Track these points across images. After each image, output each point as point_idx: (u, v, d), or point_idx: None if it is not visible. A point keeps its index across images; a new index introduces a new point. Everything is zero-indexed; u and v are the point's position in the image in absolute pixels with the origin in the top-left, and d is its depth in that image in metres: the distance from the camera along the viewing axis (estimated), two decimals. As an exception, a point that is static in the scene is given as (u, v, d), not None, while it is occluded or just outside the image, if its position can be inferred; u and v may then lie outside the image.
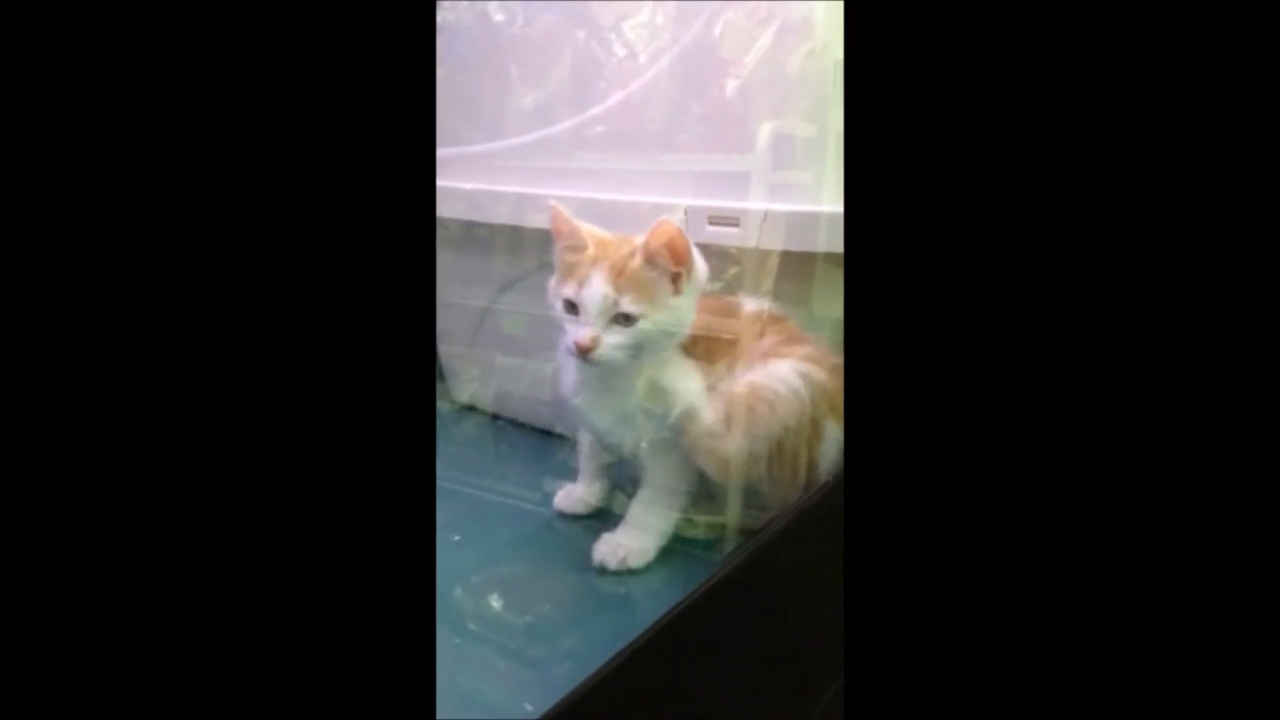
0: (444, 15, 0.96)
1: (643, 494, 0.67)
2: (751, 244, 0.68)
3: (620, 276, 0.61)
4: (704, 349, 0.65)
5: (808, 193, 0.69)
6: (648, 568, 0.66)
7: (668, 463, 0.65)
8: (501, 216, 0.87)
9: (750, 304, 0.69)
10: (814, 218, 0.67)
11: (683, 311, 0.63)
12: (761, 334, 0.67)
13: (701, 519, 0.67)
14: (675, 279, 0.62)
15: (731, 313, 0.68)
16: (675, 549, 0.67)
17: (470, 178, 0.89)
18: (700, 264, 0.64)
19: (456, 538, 0.71)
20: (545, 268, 0.84)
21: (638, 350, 0.62)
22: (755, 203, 0.69)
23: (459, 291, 0.96)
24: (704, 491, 0.67)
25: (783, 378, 0.62)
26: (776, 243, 0.68)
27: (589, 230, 0.65)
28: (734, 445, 0.62)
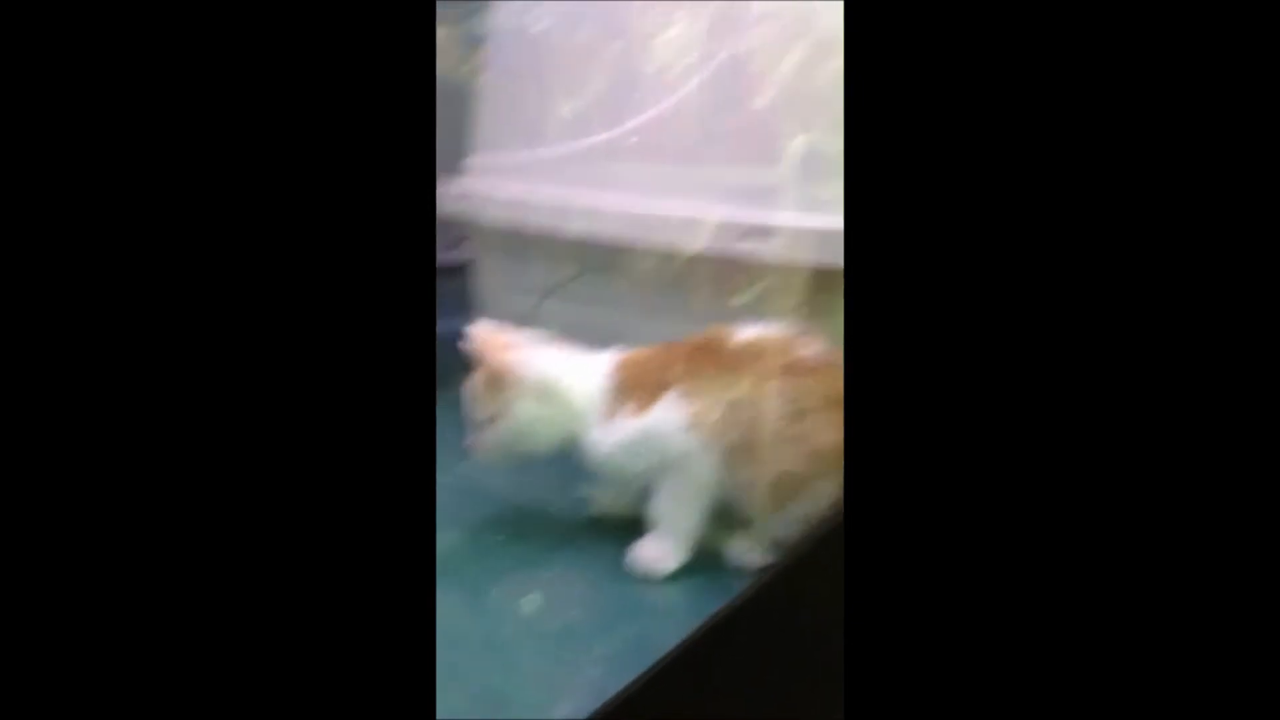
0: (487, 23, 0.97)
1: (662, 499, 0.68)
2: (783, 258, 0.69)
3: None
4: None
5: (838, 207, 0.69)
6: (684, 575, 0.67)
7: (678, 478, 0.67)
8: (540, 222, 0.89)
9: (750, 330, 0.68)
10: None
11: (520, 417, 0.70)
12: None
13: (735, 529, 0.68)
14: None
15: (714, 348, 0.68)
16: (711, 558, 0.68)
17: (510, 184, 0.91)
18: (522, 376, 0.70)
19: (500, 537, 0.73)
20: (583, 275, 0.86)
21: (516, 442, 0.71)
22: (786, 216, 0.70)
23: (500, 297, 0.98)
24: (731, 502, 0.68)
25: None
26: (808, 256, 0.68)
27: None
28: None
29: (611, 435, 0.68)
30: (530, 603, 0.64)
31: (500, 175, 0.94)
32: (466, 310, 1.05)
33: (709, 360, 0.67)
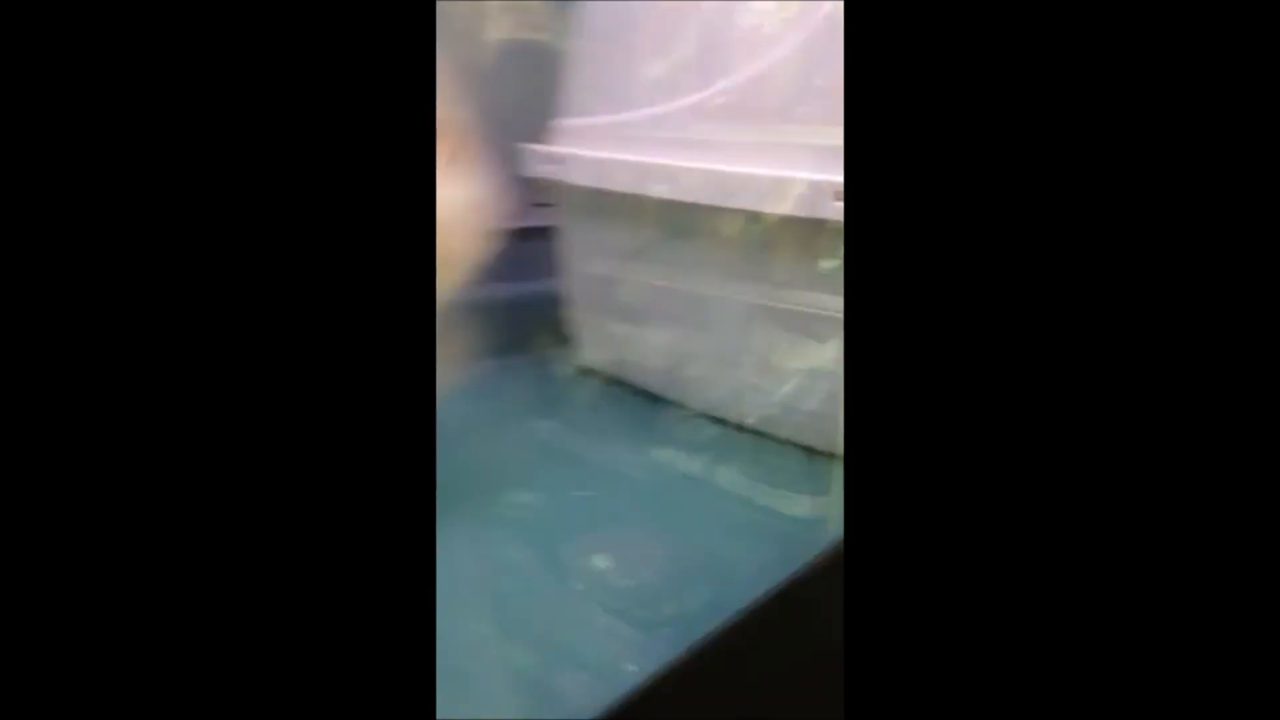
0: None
1: None
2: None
3: None
4: None
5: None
6: (754, 541, 0.66)
7: None
8: (624, 185, 0.88)
9: None
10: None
11: None
12: None
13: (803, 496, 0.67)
14: None
15: None
16: (780, 527, 0.67)
17: (595, 146, 0.91)
18: None
19: (579, 494, 0.74)
20: (666, 238, 0.86)
21: None
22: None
23: (584, 260, 0.99)
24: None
25: None
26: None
27: None
28: None
29: None
30: (602, 560, 0.64)
31: (587, 138, 0.94)
32: (552, 272, 1.06)
33: None
